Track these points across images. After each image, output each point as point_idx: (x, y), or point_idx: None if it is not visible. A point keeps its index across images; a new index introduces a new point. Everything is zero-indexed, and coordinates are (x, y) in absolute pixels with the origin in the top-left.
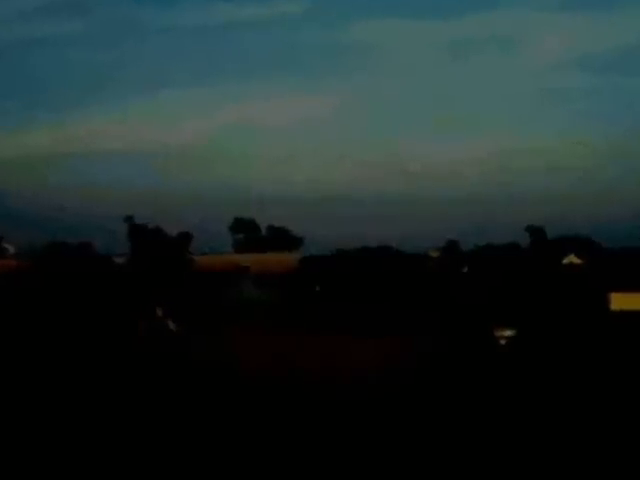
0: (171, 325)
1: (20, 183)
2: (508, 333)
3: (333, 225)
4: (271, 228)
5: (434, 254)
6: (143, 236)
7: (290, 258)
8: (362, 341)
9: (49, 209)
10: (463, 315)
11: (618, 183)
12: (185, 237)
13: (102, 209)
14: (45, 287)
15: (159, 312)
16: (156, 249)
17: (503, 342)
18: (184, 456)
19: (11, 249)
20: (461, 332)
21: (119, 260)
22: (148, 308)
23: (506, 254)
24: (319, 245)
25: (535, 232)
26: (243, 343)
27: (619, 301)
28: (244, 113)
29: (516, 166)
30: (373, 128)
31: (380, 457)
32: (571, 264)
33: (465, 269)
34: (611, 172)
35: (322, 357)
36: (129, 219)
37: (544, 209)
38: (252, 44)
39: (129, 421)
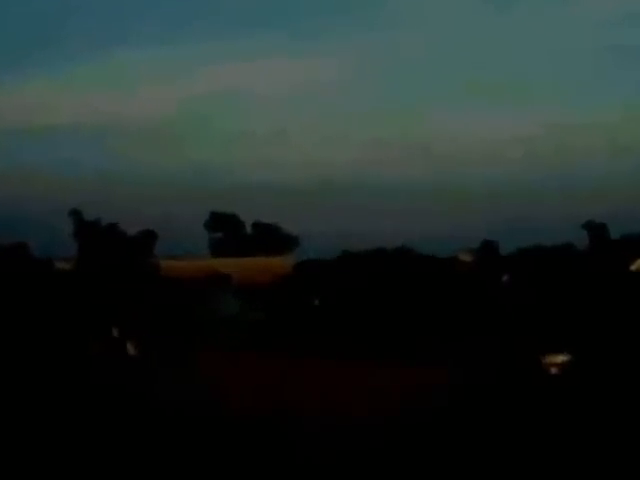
0: (130, 349)
1: None
2: (561, 359)
3: (336, 221)
4: (258, 225)
5: (466, 258)
6: (94, 235)
7: (282, 263)
8: (373, 370)
9: None
10: (503, 337)
11: None
12: (148, 236)
13: (41, 200)
14: None
15: (115, 332)
16: (111, 251)
17: (554, 371)
18: None
19: None
20: (501, 359)
21: (63, 265)
22: (100, 327)
23: (558, 258)
24: (318, 246)
25: (595, 230)
26: (221, 372)
27: None
28: (223, 79)
29: (571, 146)
30: (388, 98)
31: None
32: None
33: (505, 277)
34: None
35: (322, 389)
36: (76, 213)
37: (606, 201)
38: None
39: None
